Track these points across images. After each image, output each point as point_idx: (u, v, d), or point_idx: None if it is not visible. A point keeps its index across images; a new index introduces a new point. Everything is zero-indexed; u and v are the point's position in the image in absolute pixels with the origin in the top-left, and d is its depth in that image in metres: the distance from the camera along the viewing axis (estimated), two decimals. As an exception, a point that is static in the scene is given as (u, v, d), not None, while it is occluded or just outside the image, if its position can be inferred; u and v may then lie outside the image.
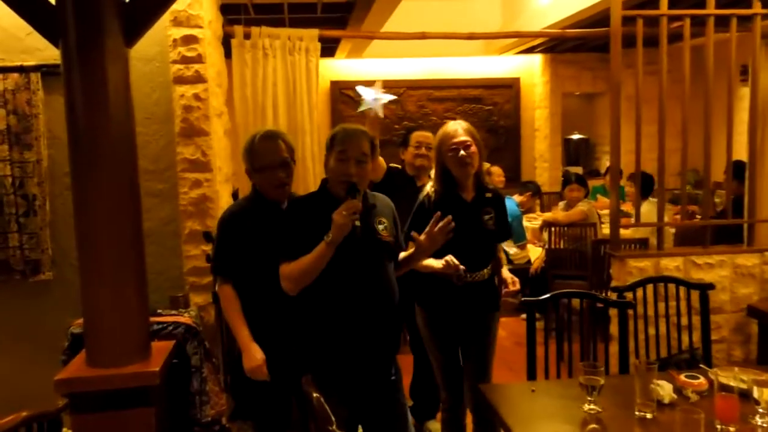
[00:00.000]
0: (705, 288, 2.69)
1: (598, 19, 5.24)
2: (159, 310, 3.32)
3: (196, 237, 3.48)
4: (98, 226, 2.04)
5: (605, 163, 8.06)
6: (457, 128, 2.71)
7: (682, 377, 2.11)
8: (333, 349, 2.22)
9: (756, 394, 1.84)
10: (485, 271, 2.75)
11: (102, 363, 2.06)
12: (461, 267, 2.52)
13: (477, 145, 2.70)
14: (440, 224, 2.27)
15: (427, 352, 2.92)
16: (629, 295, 2.80)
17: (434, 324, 2.82)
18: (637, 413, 1.94)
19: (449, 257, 2.56)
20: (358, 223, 2.07)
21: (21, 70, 3.26)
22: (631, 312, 2.58)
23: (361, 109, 3.24)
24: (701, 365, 2.29)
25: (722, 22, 3.82)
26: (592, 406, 1.98)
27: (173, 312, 3.33)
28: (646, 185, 4.76)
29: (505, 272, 2.80)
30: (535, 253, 5.57)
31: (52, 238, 3.40)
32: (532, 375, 2.50)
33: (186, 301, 3.43)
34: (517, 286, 2.66)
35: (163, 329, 3.14)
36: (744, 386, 1.94)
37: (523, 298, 2.60)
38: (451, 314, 2.78)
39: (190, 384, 3.21)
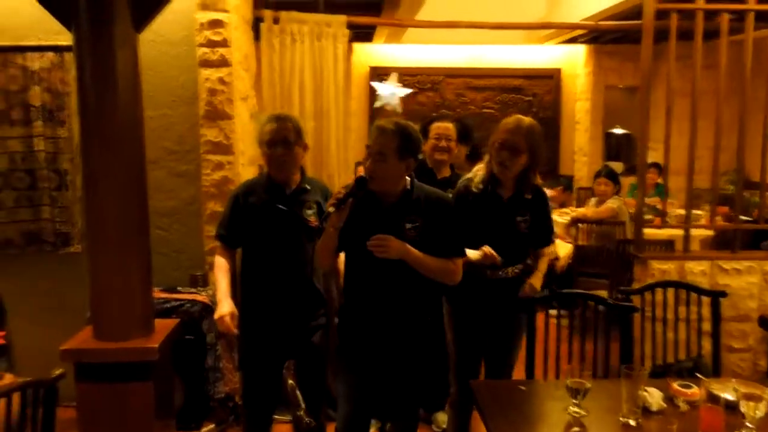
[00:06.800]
0: (716, 295, 2.60)
1: (639, 11, 5.08)
2: (178, 288, 3.44)
3: (217, 218, 3.54)
4: (105, 206, 2.13)
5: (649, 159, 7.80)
6: (517, 125, 2.54)
7: (675, 385, 2.07)
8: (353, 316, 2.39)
9: (743, 408, 1.79)
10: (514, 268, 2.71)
11: (105, 336, 2.15)
12: (498, 258, 2.54)
13: (530, 152, 2.53)
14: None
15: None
16: (643, 298, 2.73)
17: (457, 318, 2.79)
18: (621, 419, 1.92)
19: (486, 248, 2.56)
20: (331, 209, 2.16)
21: (56, 49, 3.39)
22: (648, 315, 2.51)
23: (378, 104, 3.14)
24: (699, 375, 2.23)
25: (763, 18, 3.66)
26: (576, 410, 1.96)
27: (192, 290, 3.44)
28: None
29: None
30: (564, 249, 5.46)
31: (82, 212, 3.49)
32: (530, 373, 2.48)
33: (205, 279, 3.52)
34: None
35: (180, 306, 3.26)
36: (732, 399, 1.89)
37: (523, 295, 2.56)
38: (475, 309, 2.73)
39: (204, 360, 3.32)
